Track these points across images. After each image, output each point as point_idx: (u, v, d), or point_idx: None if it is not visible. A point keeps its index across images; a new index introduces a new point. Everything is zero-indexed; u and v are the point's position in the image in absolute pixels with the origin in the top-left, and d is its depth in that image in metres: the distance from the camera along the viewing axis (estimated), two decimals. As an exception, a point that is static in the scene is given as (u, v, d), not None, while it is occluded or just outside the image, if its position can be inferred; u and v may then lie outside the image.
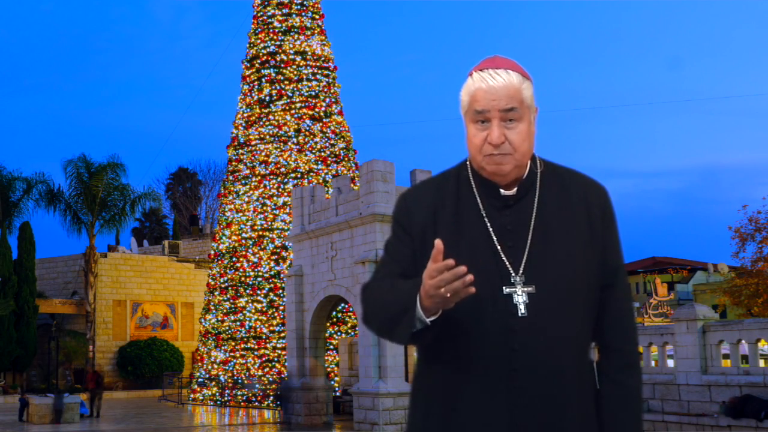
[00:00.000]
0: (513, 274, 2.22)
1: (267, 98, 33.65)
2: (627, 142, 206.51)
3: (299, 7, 34.55)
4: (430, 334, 2.14)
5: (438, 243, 2.01)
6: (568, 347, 2.21)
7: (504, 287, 2.20)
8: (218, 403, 31.37)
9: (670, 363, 18.99)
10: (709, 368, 17.64)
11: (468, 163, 2.37)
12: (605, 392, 2.30)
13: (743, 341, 17.40)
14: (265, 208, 32.51)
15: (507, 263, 2.23)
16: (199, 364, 33.84)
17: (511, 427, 2.17)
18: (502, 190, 2.30)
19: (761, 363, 17.99)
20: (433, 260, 2.02)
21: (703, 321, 17.81)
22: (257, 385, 30.23)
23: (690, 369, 17.81)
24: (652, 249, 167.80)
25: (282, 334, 30.20)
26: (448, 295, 2.00)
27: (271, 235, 32.13)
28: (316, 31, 34.64)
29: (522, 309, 2.18)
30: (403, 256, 2.33)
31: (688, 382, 17.82)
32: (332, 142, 33.35)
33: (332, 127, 33.50)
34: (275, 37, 34.11)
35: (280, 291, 30.76)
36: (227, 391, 31.24)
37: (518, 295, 2.19)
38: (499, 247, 2.24)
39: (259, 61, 34.25)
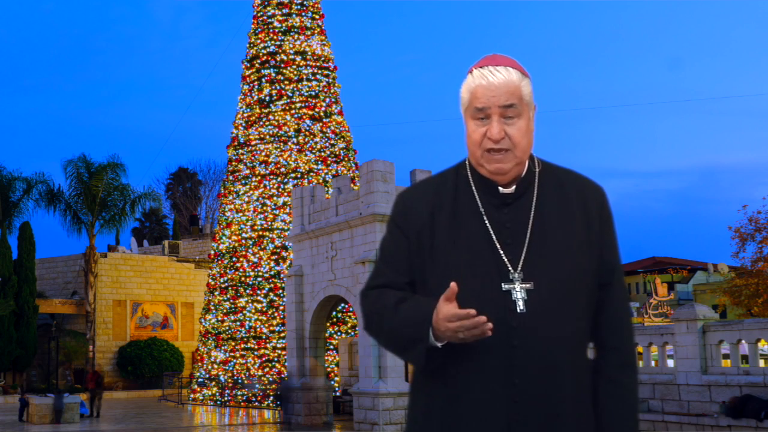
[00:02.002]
0: (511, 271, 2.23)
1: (267, 98, 33.65)
2: (627, 142, 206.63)
3: (299, 7, 34.55)
4: (440, 356, 2.20)
5: (453, 286, 2.08)
6: (566, 344, 2.23)
7: (502, 284, 2.22)
8: (218, 403, 31.37)
9: (670, 363, 18.99)
10: (709, 368, 17.65)
11: (467, 162, 2.39)
12: (602, 390, 2.31)
13: (743, 341, 17.40)
14: (265, 208, 32.52)
15: (505, 260, 2.24)
16: (199, 364, 33.84)
17: (509, 422, 2.19)
18: (500, 188, 2.32)
19: (761, 363, 17.99)
20: (447, 299, 2.08)
21: (703, 321, 17.81)
22: (257, 385, 30.23)
23: (690, 369, 17.81)
24: (652, 249, 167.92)
25: (282, 334, 30.21)
26: (461, 338, 2.10)
27: (271, 235, 32.13)
28: (316, 31, 34.64)
29: (521, 305, 2.20)
30: (399, 259, 2.35)
31: (688, 382, 17.83)
32: (332, 142, 33.35)
33: (332, 127, 33.50)
34: (275, 37, 34.12)
35: (280, 291, 30.76)
36: (227, 391, 31.24)
37: (517, 291, 2.21)
38: (497, 245, 2.26)
39: (259, 61, 34.25)
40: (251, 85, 34.35)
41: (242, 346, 31.46)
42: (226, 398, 31.22)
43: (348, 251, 22.47)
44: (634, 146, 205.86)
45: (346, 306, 28.84)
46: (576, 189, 2.35)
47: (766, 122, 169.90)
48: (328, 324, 26.44)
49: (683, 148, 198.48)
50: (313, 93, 33.52)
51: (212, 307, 33.39)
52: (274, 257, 31.88)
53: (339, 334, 30.36)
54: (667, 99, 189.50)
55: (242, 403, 30.50)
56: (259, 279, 31.81)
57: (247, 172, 33.31)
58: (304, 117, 33.12)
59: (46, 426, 23.89)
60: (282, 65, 33.68)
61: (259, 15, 34.90)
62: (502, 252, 2.25)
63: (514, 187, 2.32)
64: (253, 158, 33.27)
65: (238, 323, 31.84)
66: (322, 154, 32.93)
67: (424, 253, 2.30)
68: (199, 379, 33.08)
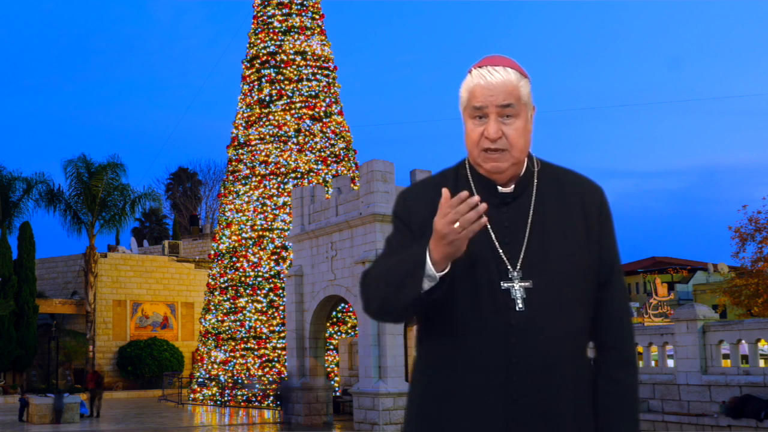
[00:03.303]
0: (510, 269, 2.24)
1: (267, 98, 33.66)
2: (627, 142, 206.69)
3: (299, 7, 34.56)
4: (439, 292, 2.12)
5: (445, 191, 2.04)
6: (565, 342, 2.23)
7: (502, 282, 2.22)
8: (218, 403, 31.37)
9: (670, 363, 19.00)
10: (709, 368, 17.65)
11: (466, 162, 2.40)
12: (601, 389, 2.32)
13: (743, 341, 17.40)
14: (265, 208, 32.52)
15: (505, 259, 2.25)
16: (199, 364, 33.85)
17: (507, 420, 2.19)
18: (499, 188, 2.33)
19: (761, 363, 17.99)
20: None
21: (703, 321, 17.81)
22: (257, 385, 30.23)
23: (690, 369, 17.81)
24: (652, 249, 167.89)
25: (282, 334, 30.21)
26: (461, 231, 2.01)
27: (271, 235, 32.13)
28: (316, 31, 34.65)
29: (520, 303, 2.21)
30: (405, 249, 2.34)
31: (688, 382, 17.83)
32: (332, 142, 33.35)
33: (332, 127, 33.51)
34: (275, 37, 34.12)
35: (280, 291, 30.76)
36: (227, 391, 31.25)
37: (516, 289, 2.22)
38: (496, 243, 2.27)
39: (259, 61, 34.26)
40: (251, 85, 34.35)
41: (242, 346, 31.46)
42: (226, 398, 31.23)
43: (348, 251, 22.47)
44: (634, 146, 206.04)
45: (346, 306, 28.84)
46: (575, 188, 2.36)
47: (766, 122, 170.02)
48: (328, 324, 26.45)
49: (683, 148, 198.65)
50: (313, 93, 33.53)
51: (212, 307, 33.39)
52: (274, 257, 31.88)
53: (339, 334, 30.36)
54: (667, 99, 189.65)
55: (242, 403, 30.50)
56: (259, 279, 31.81)
57: (247, 172, 33.32)
58: (304, 117, 33.12)
59: (46, 426, 23.89)
60: (282, 65, 33.68)
61: (259, 15, 34.90)
62: (501, 251, 2.26)
63: (512, 186, 2.33)
64: (253, 158, 33.28)
65: (238, 323, 31.84)
66: (322, 154, 32.93)
67: None
68: (199, 379, 33.08)
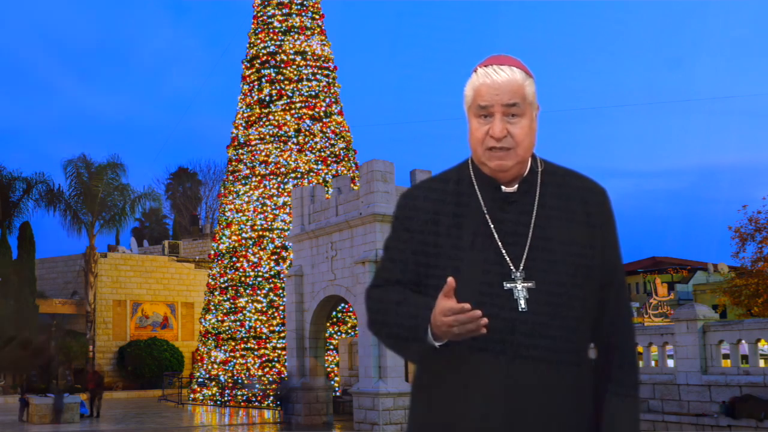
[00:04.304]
0: (513, 270, 2.24)
1: (267, 98, 33.67)
2: (627, 142, 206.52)
3: (299, 7, 34.58)
4: (439, 357, 2.23)
5: (450, 281, 2.08)
6: (567, 343, 2.24)
7: (505, 282, 2.23)
8: (218, 403, 31.38)
9: (670, 363, 19.01)
10: (709, 368, 17.65)
11: (469, 161, 2.40)
12: (603, 390, 2.32)
13: (743, 341, 17.42)
14: (265, 208, 32.53)
15: (508, 259, 2.26)
16: (199, 364, 33.86)
17: (510, 420, 2.20)
18: (503, 187, 2.33)
19: (761, 363, 18.00)
20: (445, 295, 2.09)
21: (703, 321, 17.82)
22: (257, 385, 30.24)
23: (690, 369, 17.82)
24: (652, 249, 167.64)
25: (282, 334, 30.22)
26: (458, 335, 2.11)
27: (271, 235, 32.14)
28: (316, 31, 34.67)
29: (522, 304, 2.21)
30: (404, 257, 2.36)
31: (688, 382, 17.83)
32: (332, 142, 33.37)
33: (332, 127, 33.52)
34: (275, 37, 34.14)
35: (280, 291, 30.77)
36: (227, 391, 31.26)
37: (518, 290, 2.22)
38: (500, 243, 2.27)
39: (259, 61, 34.28)
40: (251, 85, 34.37)
41: (242, 346, 31.47)
42: (226, 398, 31.23)
43: (348, 251, 22.47)
44: (634, 146, 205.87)
45: (346, 306, 28.85)
46: (578, 189, 2.37)
47: (766, 122, 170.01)
48: (328, 324, 26.46)
49: (683, 148, 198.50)
50: (313, 93, 33.54)
51: (212, 307, 33.40)
52: (274, 257, 31.89)
53: (339, 334, 30.37)
54: (667, 99, 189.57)
55: (242, 403, 30.51)
56: (259, 279, 31.82)
57: (247, 172, 33.33)
58: (304, 117, 33.14)
59: (46, 426, 23.89)
60: (282, 65, 33.70)
61: (259, 15, 34.92)
62: (504, 251, 2.26)
63: (516, 186, 2.33)
64: (253, 158, 33.29)
65: (238, 323, 31.85)
66: (322, 154, 32.95)
67: (428, 251, 2.31)
68: (199, 379, 33.09)
